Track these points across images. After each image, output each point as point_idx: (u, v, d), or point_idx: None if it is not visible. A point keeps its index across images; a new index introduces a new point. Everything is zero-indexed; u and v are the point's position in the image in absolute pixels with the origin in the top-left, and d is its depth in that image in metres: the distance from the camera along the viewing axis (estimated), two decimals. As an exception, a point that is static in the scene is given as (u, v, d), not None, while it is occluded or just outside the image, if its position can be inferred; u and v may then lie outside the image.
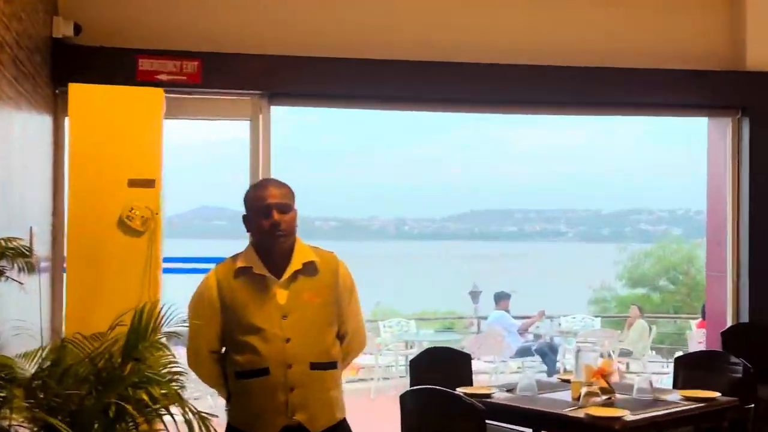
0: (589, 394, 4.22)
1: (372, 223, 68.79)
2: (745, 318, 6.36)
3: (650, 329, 10.90)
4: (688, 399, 4.37)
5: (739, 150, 6.47)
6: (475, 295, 13.62)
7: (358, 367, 10.78)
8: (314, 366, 2.92)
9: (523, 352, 10.75)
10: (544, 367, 10.57)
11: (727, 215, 6.51)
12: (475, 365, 9.83)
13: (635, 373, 11.15)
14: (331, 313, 2.98)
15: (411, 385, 4.74)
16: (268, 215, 2.93)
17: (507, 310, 11.10)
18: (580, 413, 4.07)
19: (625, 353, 10.71)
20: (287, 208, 2.96)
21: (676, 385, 4.94)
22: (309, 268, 2.98)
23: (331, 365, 2.98)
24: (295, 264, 2.96)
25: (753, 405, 4.70)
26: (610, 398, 4.33)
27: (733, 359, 4.83)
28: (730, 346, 5.80)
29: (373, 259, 63.32)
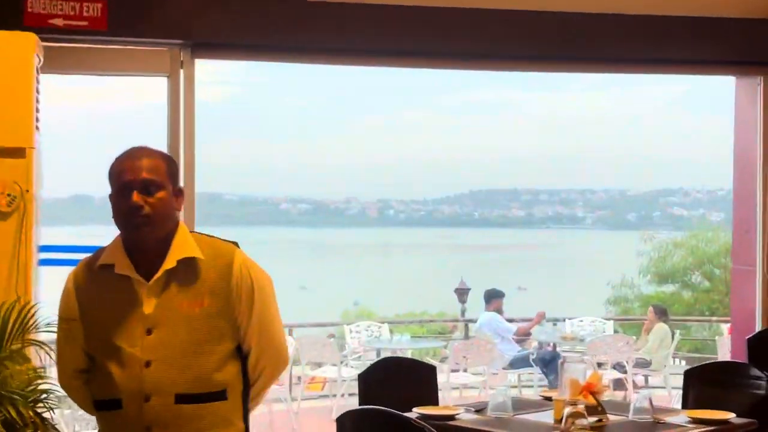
0: (574, 415, 4.16)
1: (349, 205, 68.85)
2: (777, 322, 6.35)
3: (673, 335, 10.88)
4: (695, 421, 4.33)
5: (772, 116, 6.43)
6: (462, 293, 13.62)
7: (324, 381, 10.73)
8: (181, 398, 2.66)
9: (520, 362, 10.71)
10: (545, 381, 10.53)
11: (756, 196, 6.46)
12: (462, 378, 9.98)
13: (654, 387, 11.21)
14: (218, 327, 2.72)
15: (360, 404, 4.68)
16: (126, 195, 2.67)
17: (500, 312, 11.05)
18: (561, 439, 4.01)
19: (642, 364, 10.69)
20: (156, 186, 2.68)
21: (686, 404, 4.90)
22: (188, 267, 2.72)
23: (214, 396, 2.71)
24: (169, 261, 2.71)
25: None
26: (600, 420, 4.29)
27: (755, 372, 4.78)
28: (758, 356, 5.76)
29: (350, 250, 63.59)
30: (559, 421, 4.24)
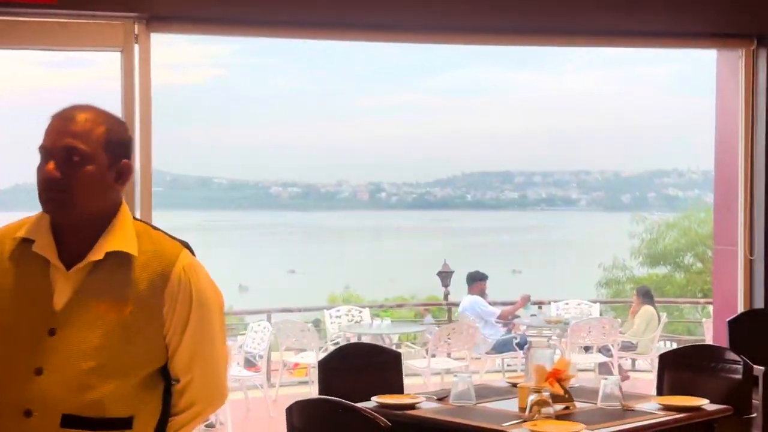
0: (539, 402, 4.02)
1: (340, 189, 68.73)
2: (760, 303, 6.22)
3: (659, 317, 10.78)
4: (667, 408, 4.21)
5: (754, 91, 6.26)
6: (445, 276, 13.52)
7: (308, 367, 10.62)
8: (68, 421, 2.19)
9: (504, 346, 10.61)
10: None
11: (739, 173, 6.33)
12: (443, 363, 9.85)
13: (641, 371, 11.11)
14: (137, 342, 2.24)
15: (320, 393, 4.54)
16: (43, 162, 2.22)
17: (483, 295, 10.94)
18: (524, 428, 3.87)
19: (629, 347, 10.61)
20: (82, 157, 2.20)
21: (661, 390, 4.77)
22: (119, 264, 2.25)
23: (114, 424, 2.23)
24: (97, 252, 2.23)
25: (754, 415, 4.53)
26: (567, 408, 4.15)
27: (732, 356, 4.64)
28: (739, 339, 5.67)
29: (341, 233, 63.59)
30: (523, 409, 4.10)
